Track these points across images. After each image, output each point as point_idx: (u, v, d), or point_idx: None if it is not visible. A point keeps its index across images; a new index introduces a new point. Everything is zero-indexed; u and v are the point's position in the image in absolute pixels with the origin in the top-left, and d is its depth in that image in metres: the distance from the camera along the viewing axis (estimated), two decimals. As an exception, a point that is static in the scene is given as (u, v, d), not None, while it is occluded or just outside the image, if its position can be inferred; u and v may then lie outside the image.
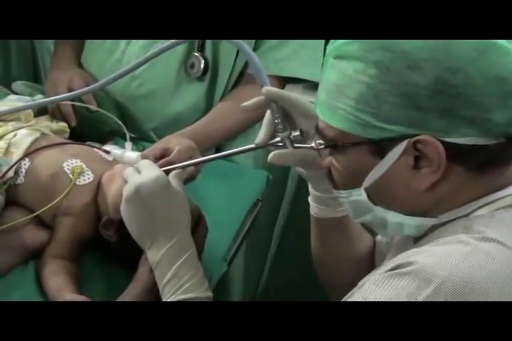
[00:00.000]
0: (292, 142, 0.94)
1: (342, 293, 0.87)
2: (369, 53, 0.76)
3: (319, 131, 0.85)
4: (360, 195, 0.85)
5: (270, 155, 0.95)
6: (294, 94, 0.96)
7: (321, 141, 0.85)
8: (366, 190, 0.84)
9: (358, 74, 0.77)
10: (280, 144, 0.95)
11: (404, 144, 0.77)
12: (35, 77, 1.62)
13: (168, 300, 0.98)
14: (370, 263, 1.10)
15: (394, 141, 0.77)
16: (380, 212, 0.85)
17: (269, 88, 0.93)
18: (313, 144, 0.88)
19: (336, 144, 0.82)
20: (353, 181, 0.85)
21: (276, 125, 0.94)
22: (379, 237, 1.10)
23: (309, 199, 1.05)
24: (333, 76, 0.81)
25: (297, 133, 0.94)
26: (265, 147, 0.97)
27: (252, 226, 1.42)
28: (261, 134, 0.97)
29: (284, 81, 1.46)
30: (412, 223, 0.84)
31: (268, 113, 0.96)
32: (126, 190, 1.01)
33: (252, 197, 1.43)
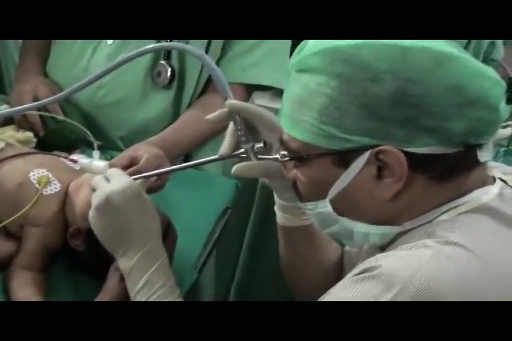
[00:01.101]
0: (256, 153, 0.95)
1: (310, 299, 0.87)
2: (331, 66, 0.78)
3: (283, 143, 0.87)
4: (325, 206, 0.86)
5: (234, 168, 0.96)
6: (256, 106, 0.97)
7: (286, 153, 0.87)
8: (331, 201, 0.85)
9: (320, 86, 0.79)
10: (244, 155, 0.96)
11: (367, 155, 0.78)
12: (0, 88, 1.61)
13: None
14: (337, 271, 1.11)
15: (357, 152, 0.79)
16: (345, 222, 0.87)
17: (233, 101, 0.94)
18: (277, 156, 0.89)
19: (300, 156, 0.84)
20: (318, 193, 0.86)
21: (240, 136, 0.95)
22: (348, 248, 1.11)
23: (275, 208, 1.06)
24: (296, 89, 0.82)
25: (260, 144, 0.95)
26: (229, 158, 0.98)
27: (222, 234, 1.42)
28: (224, 145, 0.98)
29: (251, 88, 1.47)
30: (377, 232, 0.86)
31: (231, 124, 0.97)
32: (96, 199, 1.01)
33: (221, 205, 1.43)
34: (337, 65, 0.78)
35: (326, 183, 0.84)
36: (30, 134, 1.34)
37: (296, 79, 0.82)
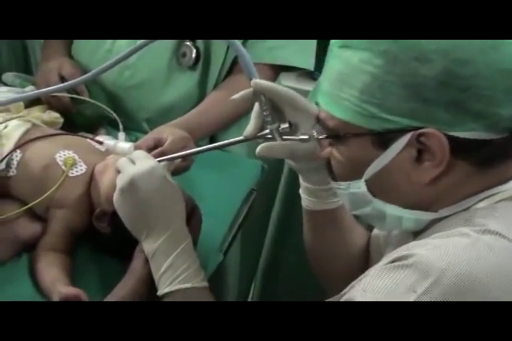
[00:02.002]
0: (281, 134, 0.95)
1: (336, 285, 0.87)
2: (376, 43, 0.76)
3: (320, 121, 0.85)
4: (359, 187, 0.85)
5: (258, 148, 0.96)
6: (282, 86, 0.96)
7: (314, 133, 0.86)
8: (366, 181, 0.84)
9: (363, 64, 0.77)
10: (269, 136, 0.96)
11: (407, 137, 0.77)
12: (25, 68, 1.62)
13: (165, 291, 0.99)
14: (364, 257, 1.10)
15: (397, 133, 0.77)
16: (378, 204, 0.86)
17: (258, 81, 0.94)
18: (303, 136, 0.89)
19: (338, 134, 0.82)
20: (353, 173, 0.85)
21: (265, 117, 0.94)
22: (375, 232, 1.10)
23: (300, 191, 1.06)
24: (337, 65, 0.80)
25: (286, 125, 0.95)
26: (254, 139, 0.98)
27: (247, 216, 1.42)
28: (249, 126, 0.97)
29: (277, 69, 1.46)
30: (411, 217, 0.84)
31: (256, 105, 0.96)
32: (121, 181, 1.01)
33: (246, 187, 1.43)
34: (383, 43, 0.76)
35: (363, 163, 0.83)
36: (57, 115, 1.34)
37: (337, 55, 0.81)
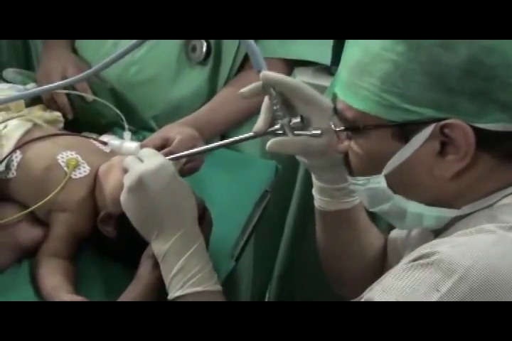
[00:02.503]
0: (292, 129, 0.92)
1: (349, 289, 0.87)
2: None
3: (338, 112, 0.83)
4: (379, 182, 0.82)
5: (269, 143, 0.93)
6: (293, 79, 0.94)
7: (336, 124, 0.83)
8: (386, 177, 0.81)
9: (384, 51, 0.75)
10: (280, 132, 0.93)
11: (430, 128, 0.74)
12: (26, 63, 1.59)
13: (176, 294, 0.95)
14: (380, 260, 1.07)
15: (419, 125, 0.75)
16: (399, 201, 0.83)
17: (267, 72, 0.92)
18: (316, 131, 0.87)
19: (357, 126, 0.80)
20: (372, 167, 0.82)
21: (275, 111, 0.92)
22: (392, 235, 1.07)
23: (313, 191, 1.03)
24: (356, 53, 0.78)
25: (297, 119, 0.92)
26: (264, 135, 0.95)
27: (260, 219, 1.38)
28: (259, 122, 0.95)
29: (292, 64, 1.42)
30: (432, 214, 0.81)
31: (266, 99, 0.94)
32: (129, 179, 0.98)
33: (259, 189, 1.39)
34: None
35: (383, 157, 0.80)
36: (59, 114, 1.31)
37: (356, 43, 0.79)
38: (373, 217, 1.04)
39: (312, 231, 1.14)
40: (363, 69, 0.77)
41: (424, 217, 0.82)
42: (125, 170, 1.00)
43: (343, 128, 0.83)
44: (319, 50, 1.39)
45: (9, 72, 1.40)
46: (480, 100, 0.72)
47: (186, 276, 0.95)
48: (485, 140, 0.74)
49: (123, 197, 0.99)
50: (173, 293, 0.96)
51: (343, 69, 0.81)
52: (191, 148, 1.12)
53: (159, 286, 1.03)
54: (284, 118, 0.91)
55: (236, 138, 1.01)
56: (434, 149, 0.76)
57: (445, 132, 0.74)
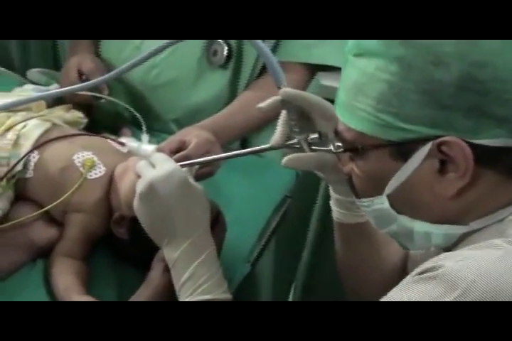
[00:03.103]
0: (309, 144, 0.92)
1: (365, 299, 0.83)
2: (390, 49, 0.74)
3: (338, 134, 0.83)
4: (382, 202, 0.82)
5: (284, 160, 0.94)
6: (313, 95, 0.94)
7: (340, 144, 0.83)
8: (389, 197, 0.81)
9: (378, 71, 0.75)
10: (297, 146, 0.93)
11: (428, 146, 0.74)
12: (55, 65, 1.61)
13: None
14: (399, 275, 1.04)
15: (417, 143, 0.75)
16: (404, 221, 0.82)
17: (287, 90, 0.92)
18: (332, 147, 0.86)
19: (355, 147, 0.80)
20: (374, 188, 0.82)
21: (293, 127, 0.92)
22: (413, 251, 1.06)
23: (331, 203, 1.03)
24: (352, 75, 0.78)
25: (315, 135, 0.92)
26: (281, 148, 0.95)
27: (279, 225, 1.37)
28: (276, 135, 0.96)
29: (313, 69, 1.41)
30: (440, 232, 0.81)
31: (284, 112, 0.94)
32: (140, 186, 0.98)
33: (279, 193, 1.38)
34: (397, 48, 0.73)
35: (383, 177, 0.80)
36: (80, 115, 1.32)
37: (353, 64, 0.79)
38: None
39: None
40: (359, 90, 0.77)
41: (432, 236, 0.81)
42: (138, 176, 1.00)
43: (341, 150, 0.83)
44: (342, 54, 1.37)
45: (33, 73, 1.42)
46: (475, 116, 0.71)
47: (195, 284, 0.95)
48: (484, 156, 0.73)
49: (135, 203, 0.99)
50: (183, 300, 0.96)
51: (341, 90, 0.81)
52: (206, 152, 1.12)
53: (169, 290, 1.03)
54: (301, 134, 0.92)
55: (252, 149, 1.02)
56: (433, 167, 0.75)
57: (443, 150, 0.73)
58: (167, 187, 0.96)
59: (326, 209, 1.72)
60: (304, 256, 1.87)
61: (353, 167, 0.84)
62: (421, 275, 0.72)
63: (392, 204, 0.82)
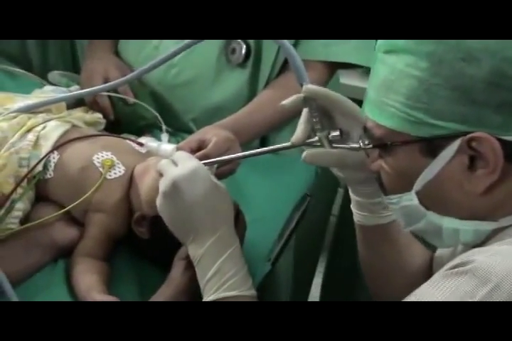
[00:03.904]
0: (331, 142, 0.92)
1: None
2: (420, 45, 0.75)
3: (367, 130, 0.84)
4: (411, 199, 0.82)
5: (303, 155, 0.94)
6: (335, 93, 0.94)
7: (368, 141, 0.84)
8: (417, 193, 0.82)
9: (408, 67, 0.76)
10: (318, 144, 0.94)
11: (457, 142, 0.74)
12: (73, 66, 1.62)
13: (210, 298, 0.95)
14: (424, 277, 1.03)
15: (447, 139, 0.75)
16: (433, 217, 0.83)
17: (310, 86, 0.92)
18: (354, 145, 0.87)
19: (384, 143, 0.81)
20: (403, 184, 0.82)
21: (315, 124, 0.92)
22: (438, 252, 1.06)
23: (351, 206, 1.03)
24: (382, 71, 0.79)
25: (337, 133, 0.92)
26: (302, 146, 0.96)
27: (299, 224, 1.37)
28: (298, 133, 0.95)
29: (333, 67, 1.41)
30: (469, 228, 0.81)
31: (305, 110, 0.94)
32: (163, 184, 0.99)
33: (299, 192, 1.38)
34: (427, 44, 0.75)
35: (412, 174, 0.80)
36: (99, 115, 1.33)
37: (383, 61, 0.80)
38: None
39: (354, 238, 1.13)
40: (389, 87, 0.78)
41: (461, 232, 0.82)
42: (160, 174, 1.01)
43: (370, 145, 0.84)
44: (362, 52, 1.36)
45: (54, 75, 1.43)
46: (506, 112, 0.72)
47: (221, 280, 0.95)
48: None
49: (158, 202, 1.00)
50: (208, 297, 0.96)
51: (371, 87, 0.81)
52: (226, 151, 1.13)
53: (190, 289, 1.04)
54: (322, 131, 0.92)
55: (273, 147, 1.02)
56: (463, 164, 0.75)
57: (472, 146, 0.74)
58: (191, 184, 0.97)
59: (345, 209, 1.73)
60: (324, 252, 1.86)
61: (382, 164, 0.84)
62: (451, 270, 0.73)
63: (421, 201, 0.82)
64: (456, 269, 0.72)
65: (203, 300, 0.96)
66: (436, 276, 0.75)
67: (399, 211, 0.86)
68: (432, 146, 0.76)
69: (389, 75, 0.78)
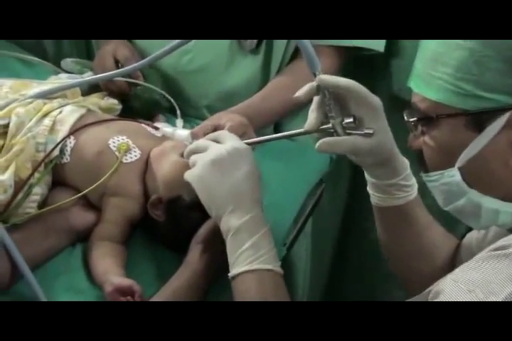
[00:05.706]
0: (344, 129, 0.93)
1: (415, 286, 0.85)
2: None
3: (412, 105, 0.84)
4: (453, 175, 0.82)
5: (317, 144, 0.94)
6: (348, 80, 0.94)
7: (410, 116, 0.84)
8: (460, 169, 0.81)
9: (459, 39, 0.75)
10: (331, 130, 0.94)
11: (506, 116, 0.74)
12: (88, 54, 1.63)
13: (243, 269, 0.96)
14: (450, 261, 1.05)
15: (494, 113, 0.74)
16: (474, 196, 0.82)
17: (324, 77, 0.92)
18: (368, 131, 0.87)
19: (430, 116, 0.80)
20: (446, 160, 0.82)
21: (328, 111, 0.93)
22: (467, 239, 1.06)
23: (368, 188, 1.03)
24: (432, 44, 0.79)
25: (350, 119, 0.93)
26: (315, 132, 0.96)
27: (314, 209, 1.38)
28: (311, 119, 0.96)
29: (344, 52, 1.41)
30: (509, 210, 0.80)
31: (317, 97, 0.95)
32: (217, 151, 1.00)
33: (313, 178, 1.39)
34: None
35: (456, 149, 0.80)
36: (115, 101, 1.34)
37: None
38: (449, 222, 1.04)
39: (368, 223, 1.13)
40: (437, 59, 0.77)
41: (501, 214, 0.81)
42: (182, 156, 1.02)
43: (415, 119, 0.83)
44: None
45: (67, 62, 1.44)
46: None
47: (257, 254, 0.96)
48: None
49: (202, 167, 0.99)
50: (240, 268, 0.96)
51: (418, 61, 0.81)
52: (241, 136, 1.13)
53: (207, 273, 1.06)
54: (336, 118, 0.93)
55: (286, 133, 1.04)
56: (509, 139, 0.75)
57: None
58: (244, 158, 1.00)
59: (359, 192, 1.73)
60: (338, 237, 1.87)
61: (425, 139, 0.83)
62: (494, 252, 0.72)
63: (463, 178, 0.81)
64: (499, 251, 0.72)
65: (234, 271, 0.97)
66: (476, 258, 0.74)
67: (438, 188, 0.85)
68: (478, 120, 0.76)
69: (439, 47, 0.78)
